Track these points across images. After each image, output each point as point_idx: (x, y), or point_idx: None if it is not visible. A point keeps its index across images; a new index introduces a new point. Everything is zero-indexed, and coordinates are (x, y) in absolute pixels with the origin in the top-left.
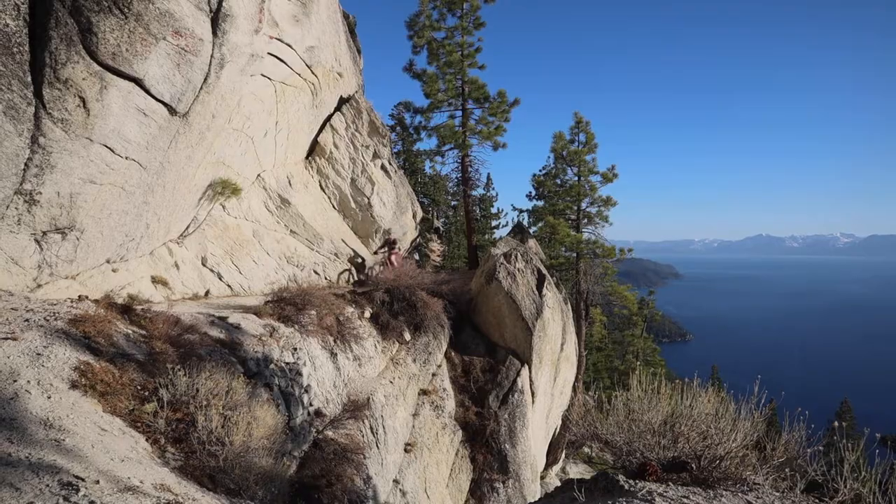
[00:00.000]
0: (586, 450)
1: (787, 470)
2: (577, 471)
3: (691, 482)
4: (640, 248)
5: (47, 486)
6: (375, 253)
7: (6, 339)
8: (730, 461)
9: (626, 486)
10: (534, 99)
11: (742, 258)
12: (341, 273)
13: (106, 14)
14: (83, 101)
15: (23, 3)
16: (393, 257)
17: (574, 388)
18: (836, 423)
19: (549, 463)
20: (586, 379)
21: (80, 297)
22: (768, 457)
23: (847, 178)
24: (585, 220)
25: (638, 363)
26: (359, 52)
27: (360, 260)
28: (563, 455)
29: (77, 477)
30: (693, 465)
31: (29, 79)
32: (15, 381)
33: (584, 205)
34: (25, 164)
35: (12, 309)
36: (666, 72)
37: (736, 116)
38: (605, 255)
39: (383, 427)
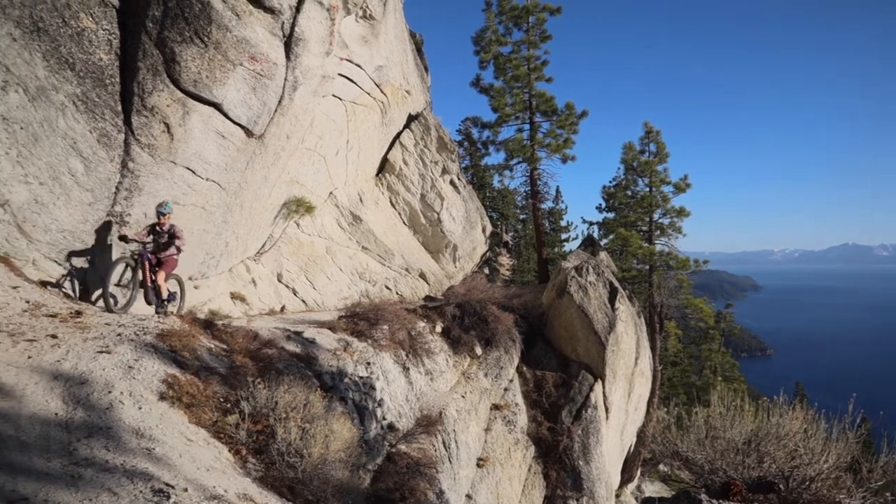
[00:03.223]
0: (662, 468)
1: (887, 494)
2: (653, 489)
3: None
4: (716, 260)
5: (141, 492)
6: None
7: (101, 352)
8: (821, 483)
9: None
10: (603, 110)
11: (826, 269)
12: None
13: (188, 44)
14: (167, 126)
15: (114, 38)
16: (160, 277)
17: (649, 405)
18: None
19: (624, 481)
20: (662, 394)
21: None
22: (864, 479)
23: None
24: (658, 232)
25: (719, 379)
26: (426, 69)
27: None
28: (639, 473)
29: (167, 484)
30: (781, 486)
31: (119, 108)
32: (110, 392)
33: (656, 216)
34: (116, 188)
35: (106, 324)
36: (739, 76)
37: (813, 117)
38: (679, 267)
39: (455, 442)
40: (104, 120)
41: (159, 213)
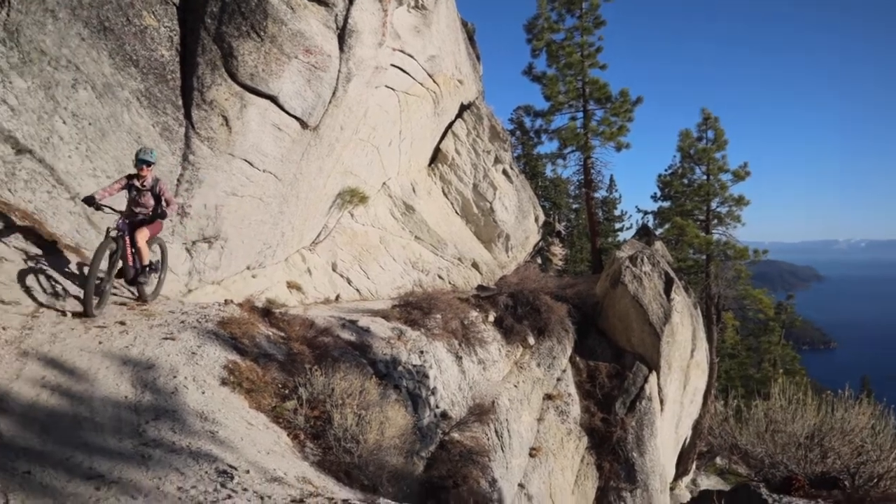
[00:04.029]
0: (719, 461)
1: None
2: (709, 483)
3: (844, 500)
4: (776, 250)
5: (206, 472)
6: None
7: (166, 339)
8: (890, 481)
9: (770, 500)
10: (659, 96)
11: None
12: None
13: (245, 38)
14: (226, 119)
15: (175, 35)
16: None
17: (706, 397)
18: None
19: (679, 474)
20: (719, 387)
21: (225, 301)
22: None
23: None
24: (716, 221)
25: (780, 371)
26: (478, 58)
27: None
28: (694, 466)
29: (231, 466)
30: (846, 483)
31: (180, 102)
32: (175, 376)
33: (713, 205)
34: (178, 180)
35: (170, 312)
36: (797, 62)
37: (876, 96)
38: (737, 257)
39: (508, 431)
40: (166, 114)
41: (141, 162)
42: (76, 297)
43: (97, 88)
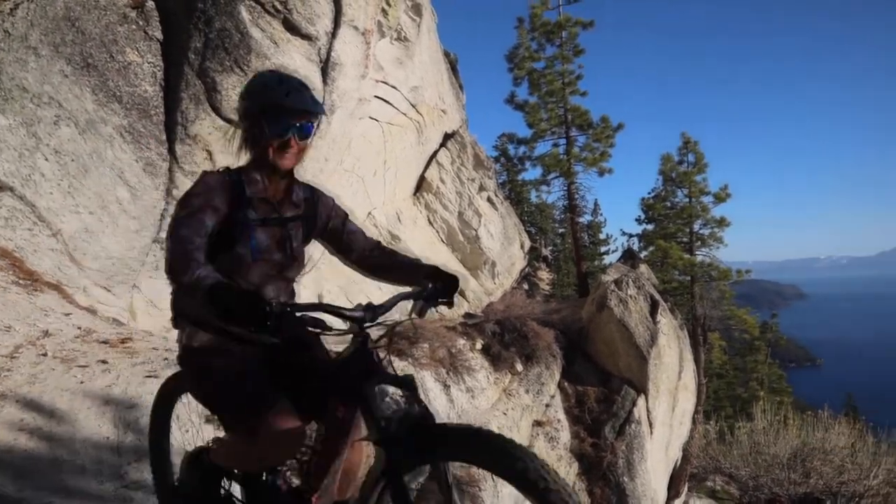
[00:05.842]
0: (710, 483)
1: None
2: None
3: None
4: (760, 269)
5: None
6: None
7: (149, 377)
8: (871, 499)
9: None
10: (640, 121)
11: (878, 275)
12: None
13: (228, 73)
14: (210, 153)
15: (158, 71)
16: None
17: (693, 419)
18: None
19: (671, 497)
20: (706, 408)
21: None
22: None
23: None
24: (699, 243)
25: (762, 392)
26: (461, 87)
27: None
28: (686, 489)
29: None
30: (828, 503)
31: (164, 137)
32: None
33: (696, 227)
34: (161, 215)
35: (153, 349)
36: (779, 71)
37: (861, 112)
38: (721, 278)
39: None
40: (149, 149)
41: (296, 115)
42: None
43: (80, 125)
